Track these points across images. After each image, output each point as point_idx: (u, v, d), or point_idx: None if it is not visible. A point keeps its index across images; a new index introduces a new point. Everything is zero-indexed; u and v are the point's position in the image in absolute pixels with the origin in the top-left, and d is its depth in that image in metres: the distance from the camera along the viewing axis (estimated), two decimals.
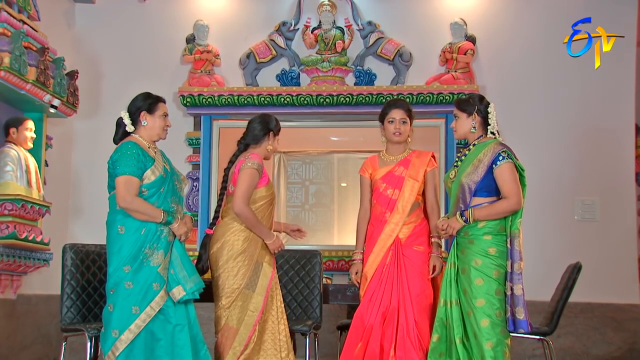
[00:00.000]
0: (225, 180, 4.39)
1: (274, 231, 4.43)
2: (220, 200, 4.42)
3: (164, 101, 4.17)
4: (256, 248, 4.26)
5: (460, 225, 4.02)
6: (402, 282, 4.22)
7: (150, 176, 3.96)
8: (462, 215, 4.01)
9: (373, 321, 4.20)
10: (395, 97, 6.51)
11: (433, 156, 4.44)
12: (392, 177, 4.40)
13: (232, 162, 4.40)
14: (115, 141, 4.08)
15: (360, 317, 4.26)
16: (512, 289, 3.93)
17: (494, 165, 3.99)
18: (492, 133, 4.12)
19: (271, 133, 4.43)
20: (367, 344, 4.19)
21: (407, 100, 6.50)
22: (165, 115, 4.13)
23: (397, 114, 4.41)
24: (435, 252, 4.30)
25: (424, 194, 4.43)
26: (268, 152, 4.45)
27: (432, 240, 4.34)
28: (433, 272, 4.27)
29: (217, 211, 4.41)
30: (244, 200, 4.21)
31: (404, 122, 4.40)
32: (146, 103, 4.07)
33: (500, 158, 3.98)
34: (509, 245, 3.97)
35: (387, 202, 4.37)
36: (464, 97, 4.28)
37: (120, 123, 4.08)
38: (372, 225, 4.43)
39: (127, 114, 4.06)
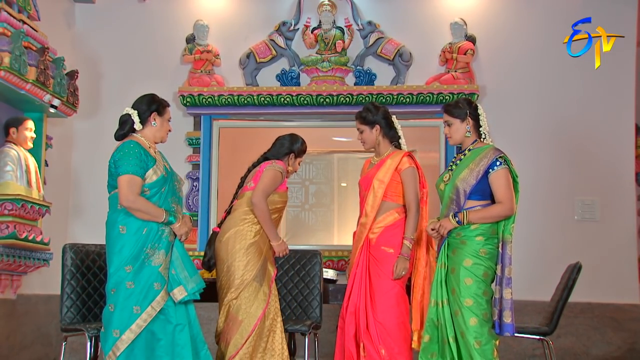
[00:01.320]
0: (243, 179, 4.52)
1: None
2: (233, 198, 4.53)
3: (169, 105, 4.23)
4: (264, 243, 4.36)
5: (453, 226, 4.03)
6: (366, 282, 4.27)
7: (152, 176, 3.96)
8: (455, 216, 4.02)
9: (345, 320, 4.31)
10: (395, 97, 6.53)
11: (409, 155, 4.41)
12: (366, 179, 4.46)
13: (249, 170, 4.54)
14: (117, 137, 4.09)
15: (341, 317, 4.40)
16: (501, 293, 3.94)
17: (490, 170, 4.01)
18: (485, 135, 4.14)
19: (292, 154, 4.58)
20: (344, 342, 4.29)
21: (407, 100, 6.54)
22: (170, 119, 4.19)
23: (356, 126, 4.50)
24: (404, 253, 4.28)
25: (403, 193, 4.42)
26: (288, 171, 4.58)
27: (403, 241, 4.31)
28: (395, 273, 4.26)
29: (228, 210, 4.50)
30: (264, 194, 4.35)
31: (360, 131, 4.48)
32: (156, 105, 4.10)
33: (498, 163, 4.00)
34: (500, 250, 3.99)
35: (362, 204, 4.44)
36: (451, 102, 4.28)
37: (126, 120, 4.07)
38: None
39: (136, 112, 4.06)
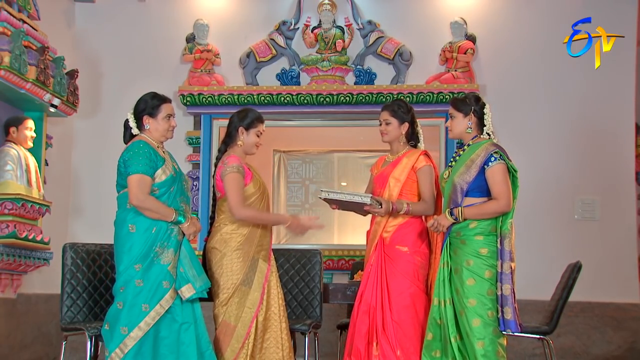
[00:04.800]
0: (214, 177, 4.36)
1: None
2: (213, 203, 4.42)
3: (169, 101, 4.15)
4: (251, 245, 4.24)
5: (449, 223, 4.03)
6: (383, 282, 4.25)
7: (161, 175, 3.97)
8: (451, 213, 4.02)
9: (356, 319, 4.27)
10: (395, 96, 6.52)
11: (426, 154, 4.40)
12: (381, 177, 4.42)
13: (216, 165, 4.36)
14: (125, 142, 4.10)
15: (352, 318, 4.35)
16: (501, 289, 3.93)
17: (485, 166, 3.99)
18: (488, 134, 4.13)
19: (240, 128, 4.32)
20: (353, 341, 4.26)
21: (407, 99, 6.52)
22: (169, 116, 4.12)
23: (381, 116, 4.46)
24: (395, 204, 4.21)
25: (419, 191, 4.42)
26: (245, 147, 4.33)
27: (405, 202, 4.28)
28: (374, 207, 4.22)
29: (211, 216, 4.41)
30: (240, 205, 4.16)
31: (387, 123, 4.42)
32: (149, 106, 4.06)
33: (492, 159, 3.98)
34: (499, 245, 3.96)
35: None
36: (460, 96, 4.28)
37: (126, 125, 4.09)
38: (370, 226, 4.47)
39: (133, 116, 4.07)
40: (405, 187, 4.33)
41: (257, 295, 4.18)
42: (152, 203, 3.91)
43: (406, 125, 4.41)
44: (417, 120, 4.49)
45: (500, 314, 3.92)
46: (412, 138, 4.45)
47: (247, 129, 4.33)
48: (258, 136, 4.36)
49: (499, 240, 3.97)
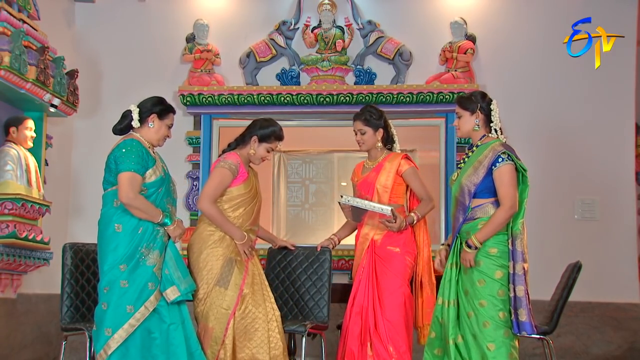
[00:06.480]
0: None
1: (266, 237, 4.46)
2: None
3: (174, 112, 4.20)
4: (229, 246, 4.25)
5: (474, 253, 3.93)
6: (374, 282, 4.27)
7: (151, 176, 3.98)
8: (468, 245, 3.94)
9: (349, 321, 4.32)
10: (395, 96, 6.53)
11: (406, 157, 4.46)
12: (365, 183, 4.49)
13: None
14: (115, 131, 4.09)
15: (344, 318, 4.43)
16: (514, 291, 3.88)
17: (493, 167, 3.96)
18: (495, 130, 4.10)
19: (255, 137, 4.37)
20: (345, 342, 4.31)
21: (407, 99, 6.53)
22: (170, 126, 4.17)
23: (355, 126, 4.52)
24: (408, 219, 4.33)
25: (411, 192, 4.46)
26: (250, 155, 4.38)
27: (411, 212, 4.39)
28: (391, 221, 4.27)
29: None
30: (209, 198, 4.21)
31: (362, 132, 4.49)
32: (159, 108, 4.10)
33: (500, 160, 3.96)
34: (510, 246, 3.93)
35: None
36: (465, 94, 4.27)
37: (127, 115, 4.08)
38: (357, 230, 4.54)
39: (138, 110, 4.07)
40: (393, 192, 4.41)
41: (233, 295, 4.16)
42: (141, 202, 3.90)
43: (381, 131, 4.49)
44: (390, 122, 4.58)
45: (514, 316, 3.86)
46: (388, 141, 4.52)
47: (260, 140, 4.37)
48: (268, 152, 4.40)
49: (510, 241, 3.93)
